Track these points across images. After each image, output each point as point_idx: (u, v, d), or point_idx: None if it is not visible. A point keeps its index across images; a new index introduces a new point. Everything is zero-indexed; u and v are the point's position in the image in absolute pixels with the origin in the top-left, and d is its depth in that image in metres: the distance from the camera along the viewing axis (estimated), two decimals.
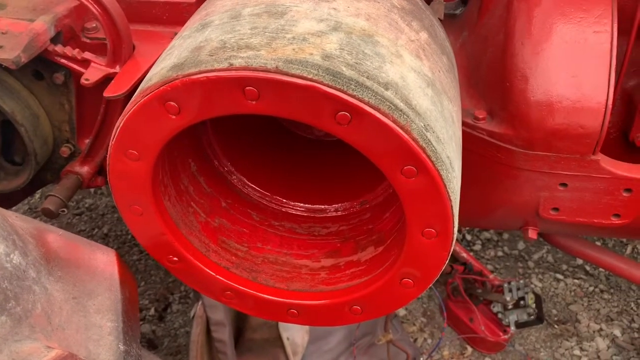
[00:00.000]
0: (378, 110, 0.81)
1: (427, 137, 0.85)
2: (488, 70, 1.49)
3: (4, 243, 0.98)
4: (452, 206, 0.90)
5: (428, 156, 0.84)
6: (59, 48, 1.51)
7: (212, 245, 1.17)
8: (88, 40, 1.58)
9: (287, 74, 0.81)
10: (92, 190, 2.99)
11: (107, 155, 0.98)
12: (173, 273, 1.14)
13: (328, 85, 0.81)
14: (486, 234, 2.85)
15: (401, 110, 0.83)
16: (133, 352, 1.12)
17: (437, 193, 0.87)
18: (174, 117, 0.89)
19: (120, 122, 0.92)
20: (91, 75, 1.49)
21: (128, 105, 0.92)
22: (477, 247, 2.79)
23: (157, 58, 1.47)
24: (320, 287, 1.15)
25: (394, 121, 0.82)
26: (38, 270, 1.04)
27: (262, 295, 1.15)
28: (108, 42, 1.47)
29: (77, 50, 1.52)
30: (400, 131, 0.82)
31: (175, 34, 1.55)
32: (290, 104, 0.84)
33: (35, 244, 1.10)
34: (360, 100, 0.81)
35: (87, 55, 1.52)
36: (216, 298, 1.16)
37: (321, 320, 1.14)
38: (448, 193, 0.88)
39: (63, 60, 1.53)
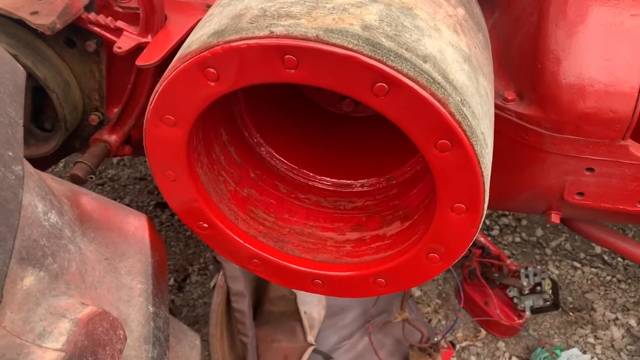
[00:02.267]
0: (416, 82, 0.82)
1: (463, 111, 0.85)
2: (519, 51, 1.48)
3: (42, 202, 1.00)
4: (484, 182, 0.90)
5: (463, 131, 0.85)
6: (92, 16, 1.53)
7: (240, 214, 1.19)
8: (120, 9, 1.60)
9: (327, 43, 0.81)
10: (114, 161, 3.03)
11: (144, 120, 0.99)
12: (203, 239, 1.17)
13: (368, 56, 0.81)
14: (504, 220, 2.85)
15: (439, 84, 0.84)
16: (162, 314, 1.15)
17: (470, 168, 0.88)
18: (212, 84, 0.90)
19: (158, 87, 0.94)
20: (123, 44, 1.51)
21: (167, 70, 0.93)
22: (495, 232, 2.79)
23: (190, 28, 1.49)
24: (346, 259, 1.17)
25: (432, 94, 0.83)
26: (73, 230, 1.07)
27: (288, 264, 1.17)
28: (141, 12, 1.49)
29: (109, 18, 1.54)
30: (438, 104, 0.83)
31: (207, 5, 1.57)
32: (328, 73, 0.84)
33: (70, 205, 1.13)
34: (399, 72, 0.81)
35: (120, 23, 1.53)
36: (243, 265, 1.19)
37: (345, 292, 1.16)
38: (481, 168, 0.88)
39: (96, 28, 1.55)
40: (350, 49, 0.81)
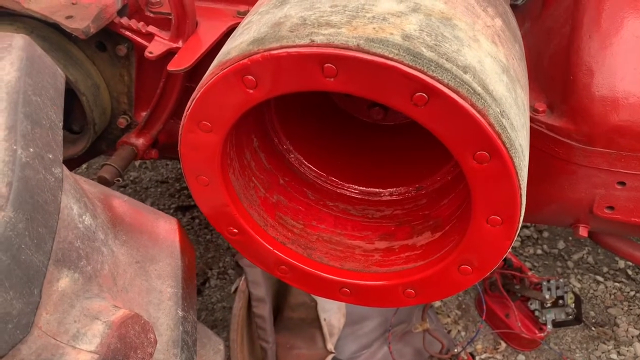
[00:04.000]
0: (457, 93, 0.81)
1: (502, 123, 0.85)
2: (550, 63, 1.47)
3: (77, 204, 1.01)
4: (521, 194, 0.89)
5: (503, 142, 0.84)
6: (124, 20, 1.55)
7: (270, 220, 1.19)
8: (152, 15, 1.61)
9: (368, 52, 0.81)
10: (136, 163, 3.06)
11: (180, 125, 1.00)
12: (232, 244, 1.17)
13: (408, 66, 0.81)
14: (526, 231, 2.82)
15: (479, 95, 0.83)
16: (190, 318, 1.15)
17: (508, 180, 0.87)
18: (250, 91, 0.90)
19: (196, 94, 0.94)
20: (155, 49, 1.52)
21: (205, 77, 0.94)
22: (516, 243, 2.76)
23: (220, 34, 1.49)
24: (374, 269, 1.16)
25: (472, 105, 0.82)
26: (106, 233, 1.08)
27: (316, 272, 1.16)
28: (173, 17, 1.50)
29: (141, 23, 1.56)
30: (478, 115, 0.82)
31: (238, 12, 1.58)
32: (368, 82, 0.84)
33: (102, 207, 1.14)
34: (440, 82, 0.81)
35: (151, 28, 1.55)
36: (271, 271, 1.19)
37: (373, 301, 1.15)
38: (519, 181, 0.87)
39: (128, 33, 1.57)
40: (391, 59, 0.81)
